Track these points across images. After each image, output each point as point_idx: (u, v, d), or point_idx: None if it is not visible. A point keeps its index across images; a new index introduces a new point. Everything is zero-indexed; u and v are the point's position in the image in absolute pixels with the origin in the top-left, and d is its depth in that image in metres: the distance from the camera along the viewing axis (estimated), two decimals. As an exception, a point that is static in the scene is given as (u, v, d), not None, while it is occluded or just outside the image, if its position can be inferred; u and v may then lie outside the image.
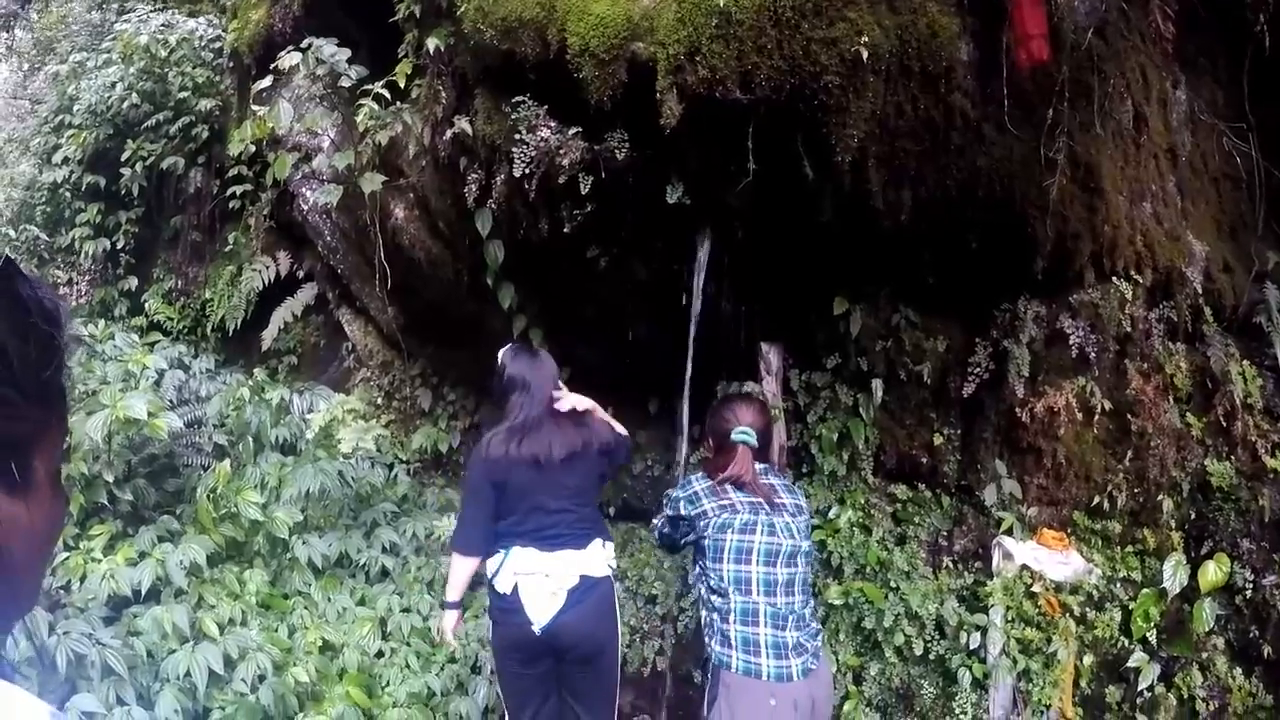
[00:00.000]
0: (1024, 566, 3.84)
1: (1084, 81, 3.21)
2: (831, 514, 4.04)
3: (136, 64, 5.51)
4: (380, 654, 3.71)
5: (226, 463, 3.96)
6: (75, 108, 5.67)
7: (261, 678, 3.22)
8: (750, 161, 3.07)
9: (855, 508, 4.05)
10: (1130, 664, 3.78)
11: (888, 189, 3.27)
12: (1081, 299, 3.72)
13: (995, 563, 3.90)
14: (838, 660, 3.88)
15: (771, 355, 4.03)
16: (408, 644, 3.76)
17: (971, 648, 3.75)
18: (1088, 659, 3.82)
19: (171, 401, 4.79)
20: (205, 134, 5.56)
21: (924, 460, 4.08)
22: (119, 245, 5.77)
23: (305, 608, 3.75)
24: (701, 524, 2.96)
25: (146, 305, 5.56)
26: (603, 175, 3.36)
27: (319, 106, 4.27)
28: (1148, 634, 3.82)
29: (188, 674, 3.13)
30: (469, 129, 3.64)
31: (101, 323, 5.38)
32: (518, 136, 3.41)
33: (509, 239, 3.91)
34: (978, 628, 3.78)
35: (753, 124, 3.03)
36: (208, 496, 3.89)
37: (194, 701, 3.17)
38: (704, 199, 3.39)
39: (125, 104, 5.50)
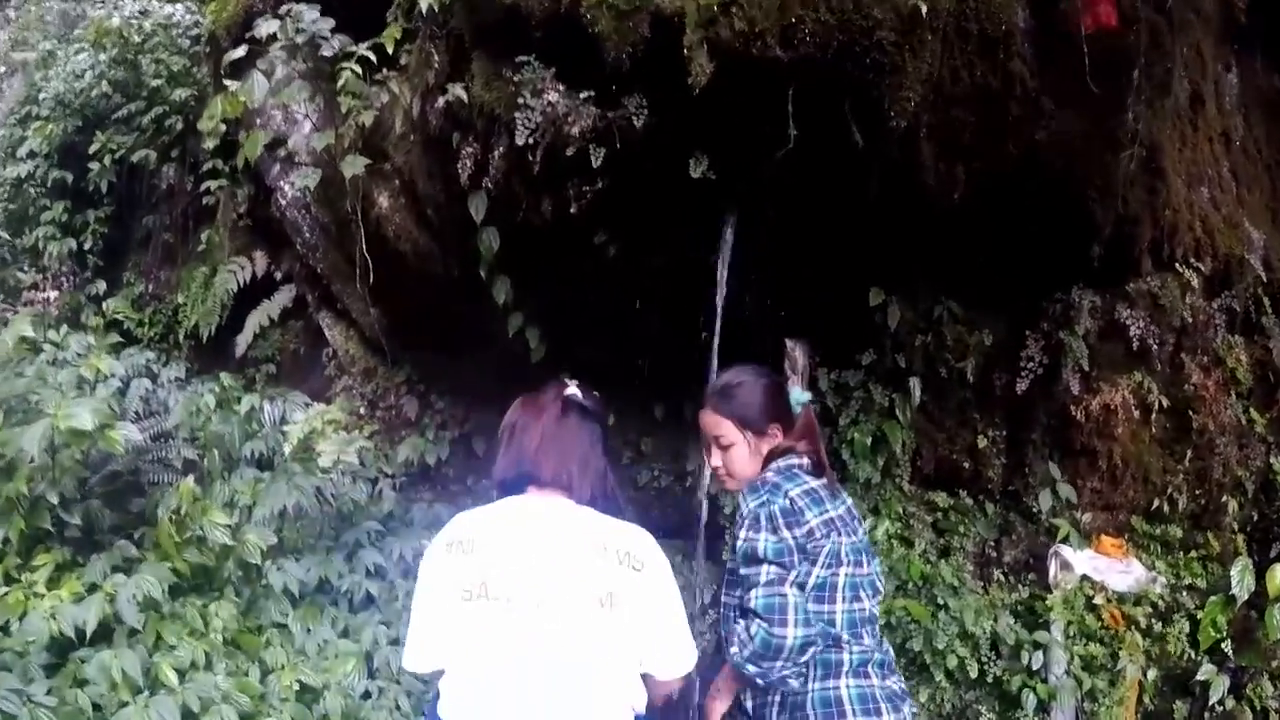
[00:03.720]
0: (1084, 577, 3.51)
1: (1149, 55, 2.89)
2: (867, 526, 3.66)
3: (109, 51, 5.11)
4: (367, 694, 3.28)
5: (190, 479, 3.50)
6: (41, 97, 5.28)
7: (228, 734, 2.78)
8: (790, 128, 2.70)
9: (893, 518, 3.68)
10: (1199, 677, 3.48)
11: (940, 163, 2.93)
12: (1139, 288, 3.41)
13: (1052, 574, 3.56)
14: (881, 687, 3.50)
15: (798, 352, 3.65)
16: (397, 682, 3.33)
17: (1033, 668, 3.40)
18: (1152, 673, 3.50)
19: (137, 413, 4.34)
20: (179, 126, 5.15)
21: (966, 465, 3.73)
22: (87, 246, 5.35)
23: (281, 644, 3.30)
24: (811, 551, 2.13)
25: (105, 306, 5.12)
26: (617, 146, 2.99)
27: (297, 80, 3.87)
28: (1216, 645, 3.52)
29: (140, 736, 2.68)
30: (464, 96, 3.24)
31: (64, 328, 4.92)
32: (521, 101, 3.02)
33: (506, 226, 3.51)
34: (1038, 645, 3.43)
35: (794, 86, 2.67)
36: (170, 518, 3.43)
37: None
38: (732, 174, 3.02)
39: (95, 93, 5.13)
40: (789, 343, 3.65)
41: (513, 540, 1.78)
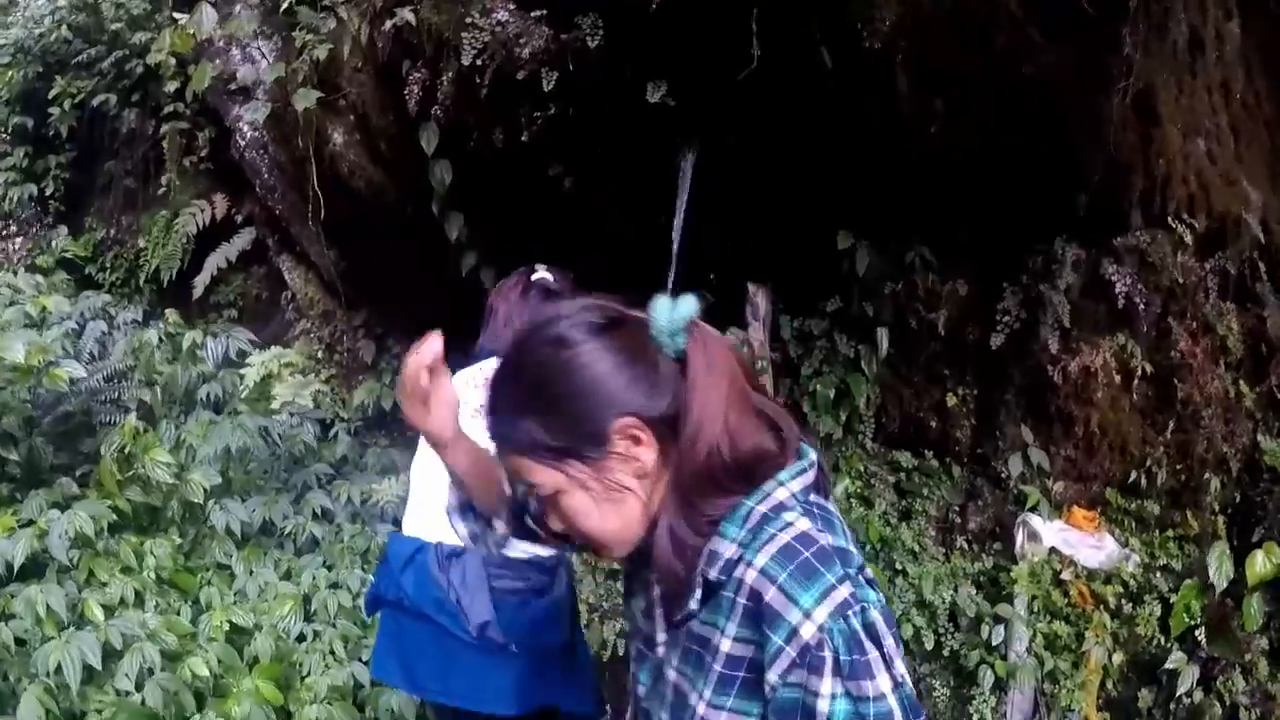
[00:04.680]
0: (1052, 550, 3.35)
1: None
2: (825, 484, 3.50)
3: None
4: (302, 638, 3.16)
5: (133, 417, 3.41)
6: (1, 44, 5.16)
7: (150, 671, 2.67)
8: (754, 47, 2.53)
9: (853, 476, 3.53)
10: (1168, 665, 3.28)
11: (917, 93, 2.74)
12: (1127, 243, 3.23)
13: (1019, 544, 3.40)
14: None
15: (760, 298, 3.49)
16: (333, 625, 3.22)
17: (993, 643, 3.25)
18: (1117, 657, 3.33)
19: (92, 354, 4.26)
20: (140, 70, 4.99)
21: (933, 424, 3.58)
22: (49, 191, 5.21)
23: (217, 584, 3.19)
24: None
25: (54, 245, 5.03)
26: (570, 69, 2.84)
27: (245, 11, 3.71)
28: (1188, 632, 3.31)
29: (60, 669, 2.58)
30: (412, 19, 3.09)
31: (21, 272, 4.81)
32: (469, 21, 2.88)
33: (458, 158, 3.37)
34: (999, 620, 3.29)
35: (757, 3, 2.50)
36: (113, 457, 3.33)
37: (66, 702, 2.61)
38: (691, 101, 2.86)
39: (54, 38, 5.01)
40: (751, 287, 3.50)
41: (468, 383, 2.03)
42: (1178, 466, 3.54)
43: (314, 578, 3.37)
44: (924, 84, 2.72)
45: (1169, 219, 3.23)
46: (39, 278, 4.21)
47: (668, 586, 0.98)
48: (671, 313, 0.98)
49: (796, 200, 3.19)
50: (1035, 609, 3.33)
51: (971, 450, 3.57)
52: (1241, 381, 3.61)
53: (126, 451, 3.38)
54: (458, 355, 2.36)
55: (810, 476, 0.98)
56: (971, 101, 2.77)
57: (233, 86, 4.14)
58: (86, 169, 5.32)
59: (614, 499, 0.98)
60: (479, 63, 2.91)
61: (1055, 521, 3.42)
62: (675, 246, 3.25)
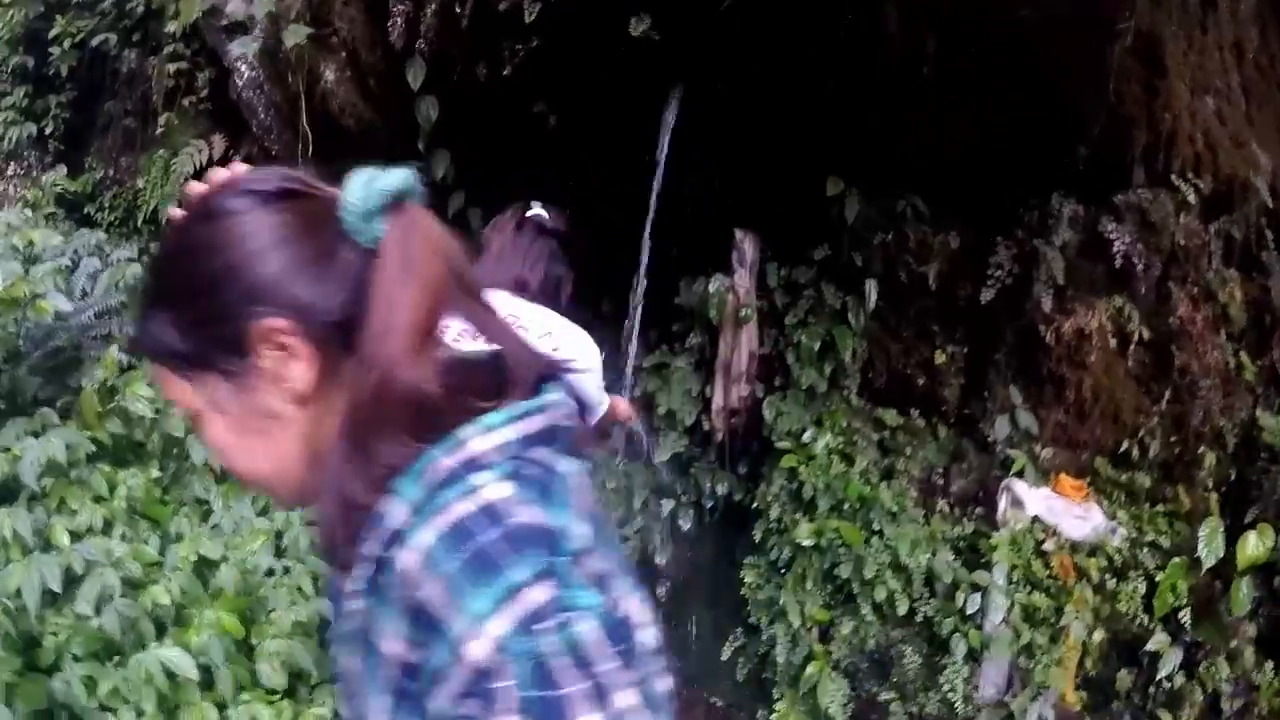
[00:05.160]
0: (1035, 518, 3.26)
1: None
2: (806, 437, 3.45)
3: None
4: (271, 573, 3.16)
5: (114, 349, 3.39)
6: None
7: (110, 597, 2.67)
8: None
9: (835, 432, 3.45)
10: (1149, 646, 3.20)
11: (908, 31, 2.64)
12: (1128, 200, 3.11)
13: (1001, 510, 3.32)
14: (803, 612, 3.31)
15: (746, 244, 3.42)
16: (302, 562, 3.20)
17: (968, 612, 3.18)
18: (1098, 635, 3.24)
19: (85, 290, 4.25)
20: (140, 9, 4.99)
21: (920, 381, 3.49)
22: (48, 131, 5.20)
23: (189, 516, 3.19)
24: None
25: (44, 180, 5.05)
26: (552, 1, 2.76)
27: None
28: (1173, 613, 3.22)
29: (20, 592, 2.58)
30: (397, -52, 3.03)
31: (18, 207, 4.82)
32: (450, -51, 2.81)
33: (443, 94, 3.32)
34: (976, 588, 3.22)
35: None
36: (94, 389, 3.33)
37: (25, 625, 2.62)
38: (676, 36, 2.78)
39: None
40: (738, 233, 3.43)
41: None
42: (1172, 438, 3.44)
43: (287, 514, 3.35)
44: (914, 21, 2.63)
45: (1173, 178, 3.11)
46: (29, 211, 4.19)
47: (328, 556, 0.73)
48: (368, 186, 0.70)
49: (785, 144, 3.11)
50: (1015, 579, 3.24)
51: (958, 410, 3.49)
52: (1243, 353, 3.50)
53: (109, 385, 3.37)
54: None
55: (537, 423, 0.70)
56: (965, 41, 2.67)
57: (224, 22, 4.09)
58: (87, 109, 5.31)
59: (259, 430, 0.72)
60: (460, -10, 2.85)
61: (1041, 488, 3.34)
62: (656, 186, 3.19)
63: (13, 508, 2.87)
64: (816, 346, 3.40)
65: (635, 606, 0.66)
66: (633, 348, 3.45)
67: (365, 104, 3.75)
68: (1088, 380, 3.36)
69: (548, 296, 2.13)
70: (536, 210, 2.27)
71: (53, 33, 5.02)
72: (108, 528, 3.01)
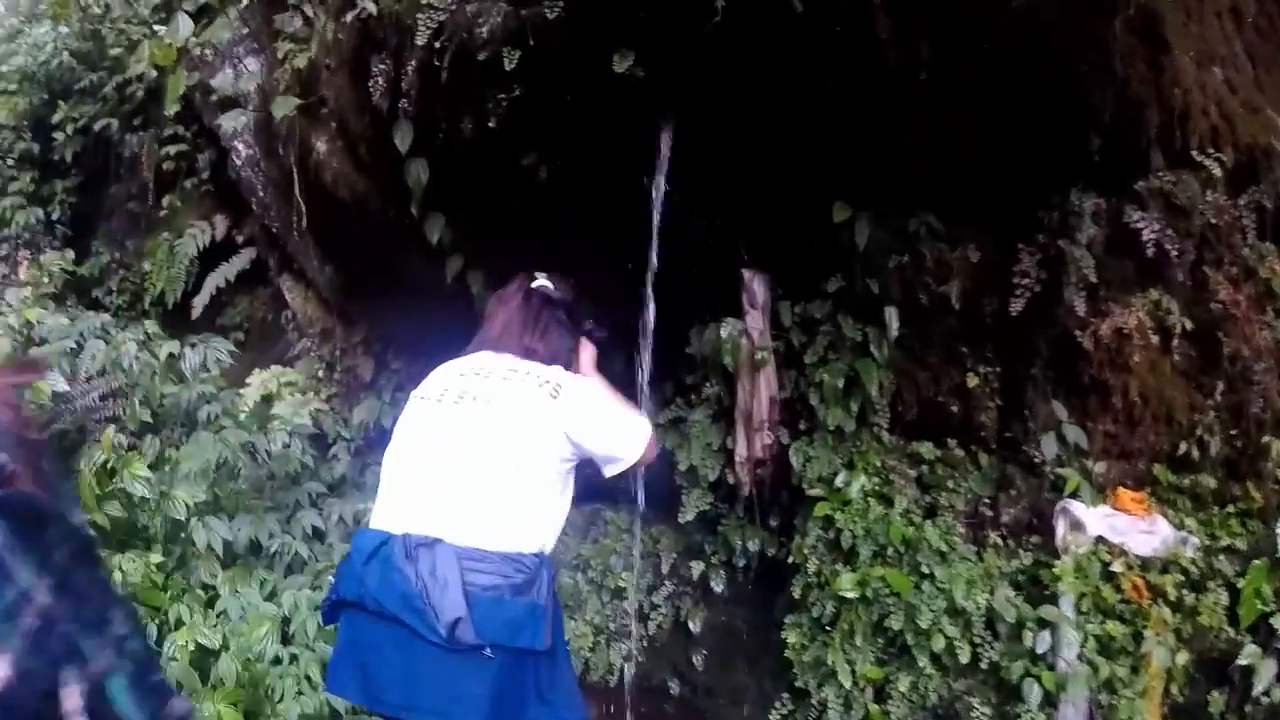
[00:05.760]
0: (1098, 539, 3.02)
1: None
2: (839, 481, 3.24)
3: (72, 24, 5.07)
4: (277, 660, 2.99)
5: (111, 430, 3.31)
6: (5, 70, 5.29)
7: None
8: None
9: (869, 472, 3.24)
10: (1240, 660, 2.93)
11: (901, 37, 2.51)
12: (1151, 187, 2.91)
13: (1060, 535, 3.08)
14: (854, 671, 3.06)
15: (756, 284, 3.26)
16: (310, 649, 3.04)
17: (1038, 651, 2.93)
18: (1181, 657, 2.96)
19: (90, 373, 4.22)
20: (141, 94, 5.09)
21: (954, 409, 3.27)
22: (55, 216, 5.31)
23: (189, 602, 3.05)
24: None
25: (42, 260, 5.08)
26: (531, 44, 2.67)
27: (220, 18, 3.67)
28: (1261, 620, 2.95)
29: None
30: (373, 8, 2.98)
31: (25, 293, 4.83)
32: (425, 2, 2.75)
33: (432, 155, 3.23)
34: (1044, 624, 2.97)
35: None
36: (91, 470, 3.24)
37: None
38: (661, 69, 2.67)
39: (56, 64, 5.13)
40: (746, 273, 3.28)
41: (453, 372, 2.10)
42: (1232, 432, 3.17)
43: (295, 599, 3.19)
44: (906, 26, 2.49)
45: (1193, 154, 2.91)
46: (27, 292, 4.19)
47: None
48: None
49: (785, 172, 2.96)
50: (1084, 609, 3.00)
51: (999, 435, 3.26)
52: (1293, 329, 3.24)
53: (110, 466, 3.29)
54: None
55: None
56: (960, 43, 2.52)
57: (215, 97, 4.10)
58: (93, 193, 5.41)
59: None
60: (437, 45, 2.77)
61: (1099, 506, 3.09)
62: (655, 230, 3.06)
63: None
64: (840, 384, 3.19)
65: None
66: (644, 404, 3.27)
67: (357, 173, 3.68)
68: (1133, 383, 3.11)
69: (560, 365, 2.14)
70: (541, 281, 2.28)
71: (55, 119, 5.11)
72: None
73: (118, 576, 2.97)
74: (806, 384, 3.28)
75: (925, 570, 3.08)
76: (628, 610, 3.54)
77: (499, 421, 1.96)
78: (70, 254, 4.97)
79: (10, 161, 5.29)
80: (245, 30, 3.84)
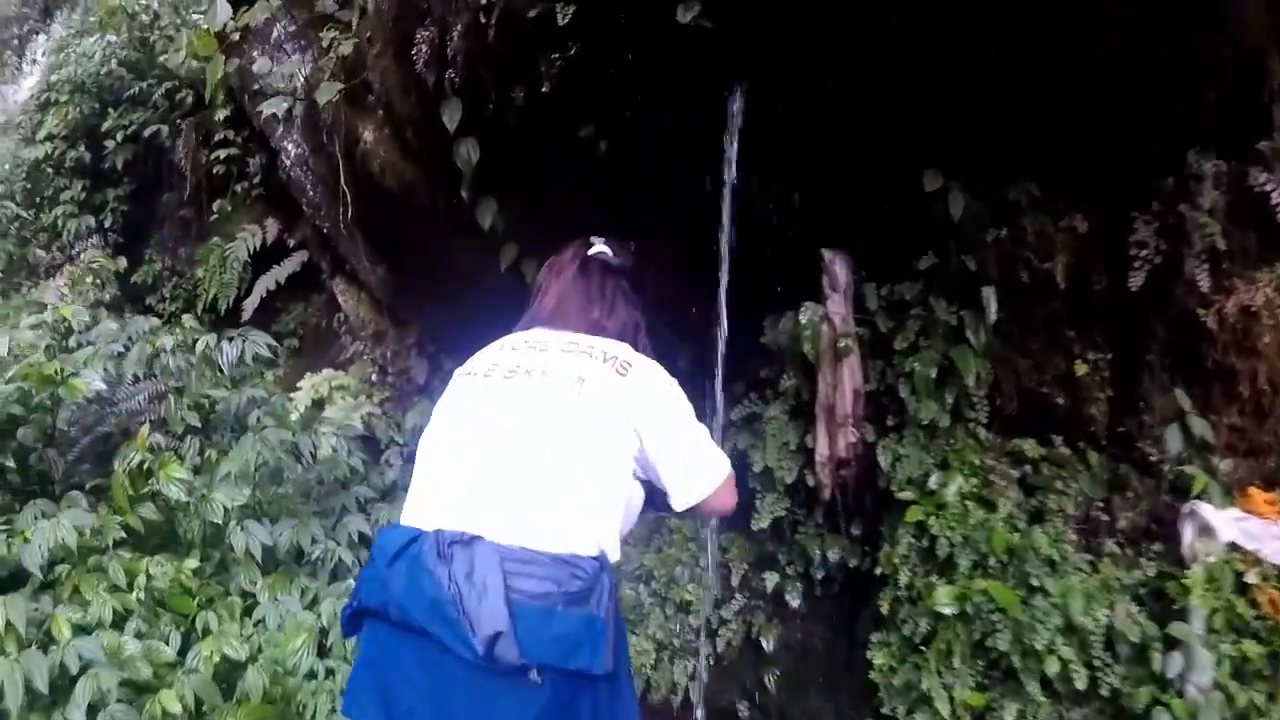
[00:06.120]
0: (1230, 546, 2.65)
1: None
2: (933, 483, 2.91)
3: (120, 33, 5.13)
4: (312, 675, 2.75)
5: (145, 429, 3.15)
6: (54, 80, 5.31)
7: (104, 702, 2.30)
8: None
9: (967, 473, 2.92)
10: None
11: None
12: (1276, 145, 2.57)
13: (1187, 542, 2.73)
14: (951, 697, 2.72)
15: (837, 265, 2.98)
16: (348, 661, 2.79)
17: (1166, 675, 2.60)
18: (1329, 680, 2.56)
19: (136, 375, 4.13)
20: (190, 99, 5.07)
21: (1060, 401, 2.95)
22: (107, 224, 5.26)
23: (220, 609, 2.84)
24: None
25: (82, 257, 5.03)
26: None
27: (260, 2, 3.56)
28: None
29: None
30: (414, -30, 2.82)
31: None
32: (471, -42, 2.57)
33: (482, 131, 3.04)
34: (1171, 644, 2.64)
35: None
36: (125, 471, 3.07)
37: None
38: (731, 21, 2.44)
39: (105, 72, 5.15)
40: (826, 254, 3.00)
41: (505, 346, 1.77)
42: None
43: (335, 607, 2.96)
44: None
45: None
46: (64, 290, 4.12)
47: None
48: None
49: (869, 138, 2.69)
50: (1216, 626, 2.65)
51: (1110, 430, 2.91)
52: None
53: (146, 467, 3.13)
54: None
55: None
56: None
57: (256, 86, 3.99)
58: (145, 201, 5.37)
59: None
60: (484, 2, 2.58)
61: (1229, 509, 2.73)
62: (727, 207, 2.81)
63: (12, 595, 2.57)
64: (933, 374, 2.89)
65: None
66: (719, 399, 3.01)
67: (405, 161, 3.53)
68: (1262, 369, 2.77)
69: (630, 343, 1.78)
70: (599, 247, 1.93)
71: (104, 126, 5.11)
72: (121, 621, 2.67)
73: (140, 581, 2.78)
74: (894, 375, 2.98)
75: (1034, 583, 2.76)
76: (694, 625, 3.24)
77: (557, 399, 1.60)
78: (123, 261, 4.90)
79: (62, 171, 5.30)
80: (289, 19, 3.72)
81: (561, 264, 1.92)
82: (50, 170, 5.27)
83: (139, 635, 2.58)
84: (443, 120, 3.04)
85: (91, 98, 5.15)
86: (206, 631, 2.73)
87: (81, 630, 2.50)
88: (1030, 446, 2.97)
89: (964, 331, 2.88)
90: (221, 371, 3.63)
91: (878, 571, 2.99)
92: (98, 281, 4.77)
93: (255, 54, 3.96)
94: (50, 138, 5.23)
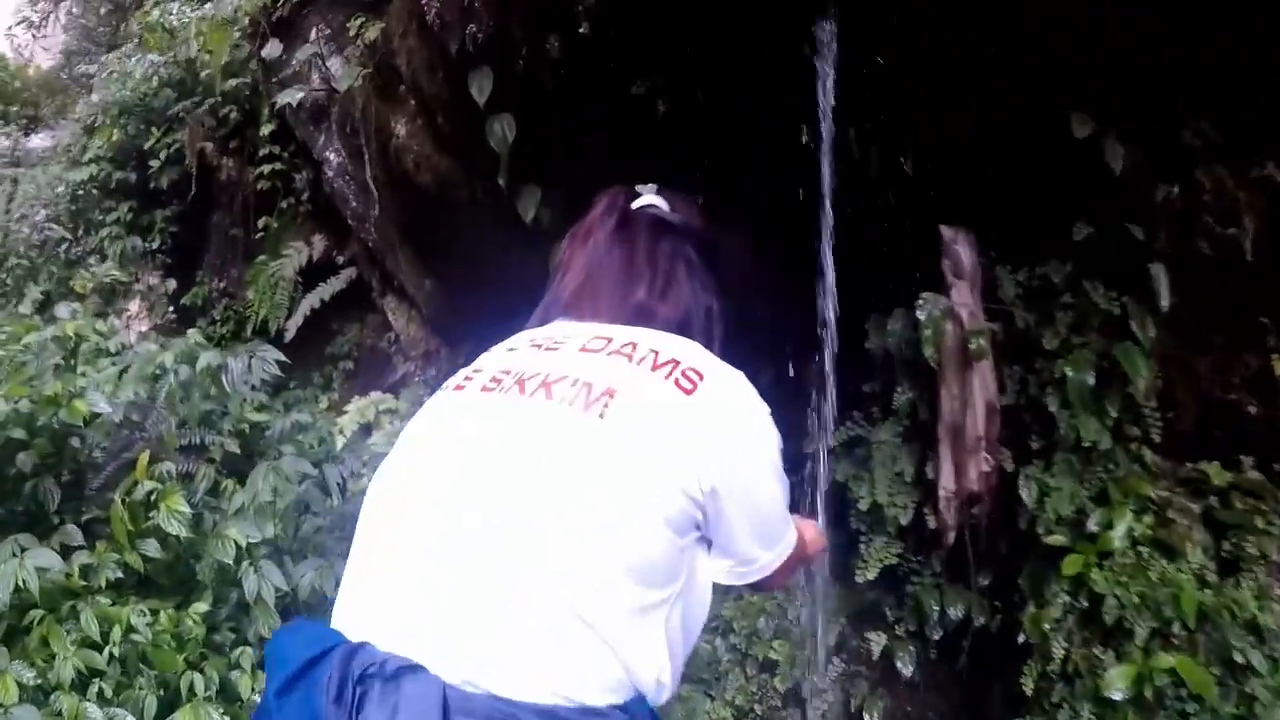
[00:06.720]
0: None
1: None
2: (1093, 524, 2.26)
3: (164, 52, 5.09)
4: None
5: (145, 455, 2.78)
6: (94, 99, 5.30)
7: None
8: None
9: (1138, 509, 2.29)
10: None
11: None
12: None
13: None
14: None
15: (960, 245, 2.40)
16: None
17: None
18: None
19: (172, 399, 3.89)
20: (235, 116, 4.93)
21: (1251, 410, 2.31)
22: (155, 245, 5.17)
23: (211, 668, 2.41)
24: None
25: (95, 272, 4.88)
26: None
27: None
28: None
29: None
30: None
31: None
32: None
33: (517, 102, 2.63)
34: None
35: None
36: (123, 503, 2.71)
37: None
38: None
39: (146, 90, 5.06)
40: (947, 232, 2.42)
41: (500, 348, 1.11)
42: None
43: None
44: None
45: None
46: (77, 305, 3.90)
47: None
48: None
49: (993, 75, 2.12)
50: None
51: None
52: None
53: (150, 497, 2.76)
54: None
55: None
56: None
57: (279, 75, 3.75)
58: (195, 222, 5.24)
59: None
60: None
61: None
62: (825, 175, 2.28)
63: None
64: (1091, 380, 2.26)
65: None
66: (829, 411, 2.47)
67: (439, 153, 3.27)
68: None
69: (701, 336, 1.12)
70: (649, 198, 1.25)
71: (147, 145, 5.00)
72: (78, 683, 2.26)
73: (116, 633, 2.37)
74: (1039, 383, 2.36)
75: (1236, 657, 2.09)
76: (780, 690, 2.64)
77: (564, 427, 0.95)
78: (172, 283, 4.72)
79: (109, 191, 5.22)
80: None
81: (591, 224, 1.24)
82: (96, 192, 5.20)
83: (105, 700, 2.16)
84: (472, 95, 2.63)
85: (136, 118, 5.08)
86: (192, 695, 2.29)
87: (39, 692, 2.10)
88: (1215, 471, 2.35)
89: (1129, 323, 2.25)
90: (254, 389, 3.29)
91: (1020, 639, 2.34)
92: (148, 304, 4.60)
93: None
94: (96, 159, 5.16)
